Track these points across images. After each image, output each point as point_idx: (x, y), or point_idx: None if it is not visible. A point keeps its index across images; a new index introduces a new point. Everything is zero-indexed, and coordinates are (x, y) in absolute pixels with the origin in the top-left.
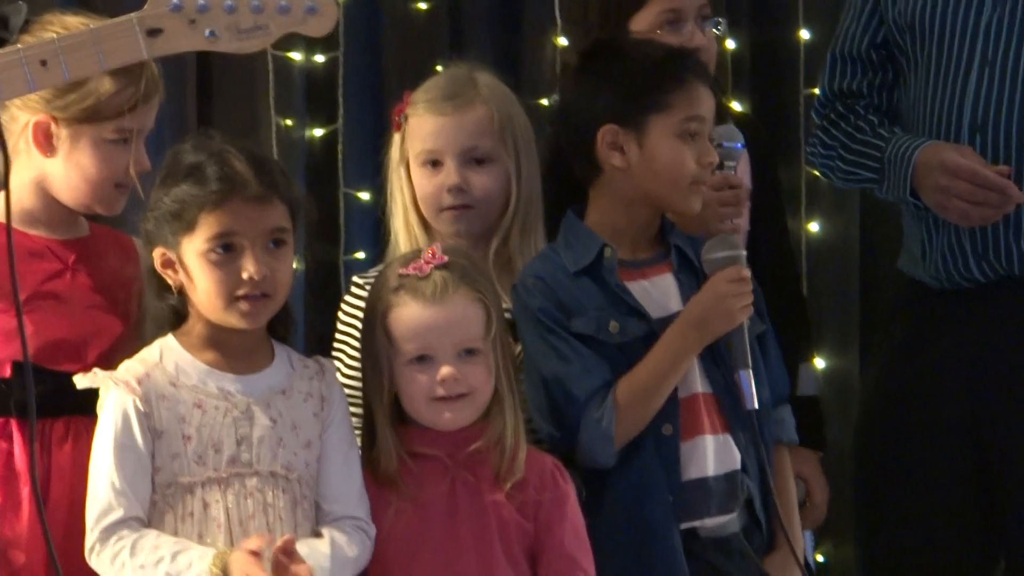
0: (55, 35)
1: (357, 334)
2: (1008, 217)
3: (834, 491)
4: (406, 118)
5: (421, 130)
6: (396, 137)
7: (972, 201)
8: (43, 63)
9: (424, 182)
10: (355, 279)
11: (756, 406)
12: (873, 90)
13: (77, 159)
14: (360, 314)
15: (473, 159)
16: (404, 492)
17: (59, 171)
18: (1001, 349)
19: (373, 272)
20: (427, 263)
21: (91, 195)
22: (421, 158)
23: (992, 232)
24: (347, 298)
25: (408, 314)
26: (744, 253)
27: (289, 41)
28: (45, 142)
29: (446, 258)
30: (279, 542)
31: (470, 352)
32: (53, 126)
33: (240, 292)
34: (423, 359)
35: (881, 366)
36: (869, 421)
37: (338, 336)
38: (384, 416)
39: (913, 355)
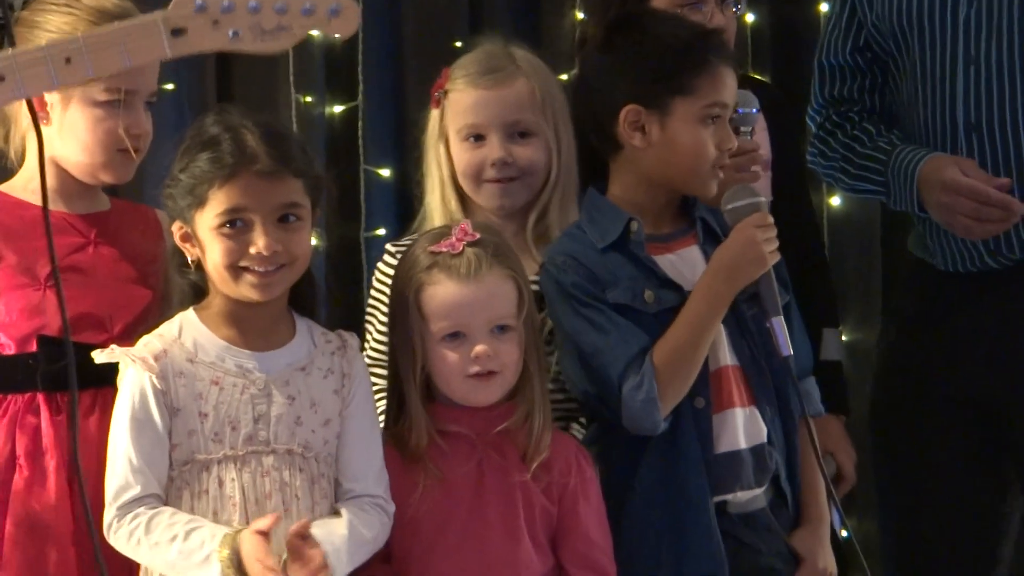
0: (54, 9)
1: (387, 299)
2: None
3: (859, 465)
4: (445, 93)
5: (462, 104)
6: (434, 113)
7: (975, 218)
8: (67, 60)
9: (466, 156)
10: (388, 247)
11: (791, 352)
12: (864, 94)
13: (71, 124)
14: (389, 281)
15: (516, 132)
16: (431, 470)
17: (57, 139)
18: (1013, 328)
19: (406, 240)
20: (459, 240)
21: (91, 159)
22: (464, 132)
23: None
24: (380, 266)
25: (443, 292)
26: (765, 200)
27: None
28: (40, 110)
29: (478, 235)
30: (294, 526)
31: (503, 329)
32: (46, 93)
33: (244, 263)
34: (456, 336)
35: (892, 342)
36: (881, 399)
37: (370, 303)
38: (416, 393)
39: (924, 332)
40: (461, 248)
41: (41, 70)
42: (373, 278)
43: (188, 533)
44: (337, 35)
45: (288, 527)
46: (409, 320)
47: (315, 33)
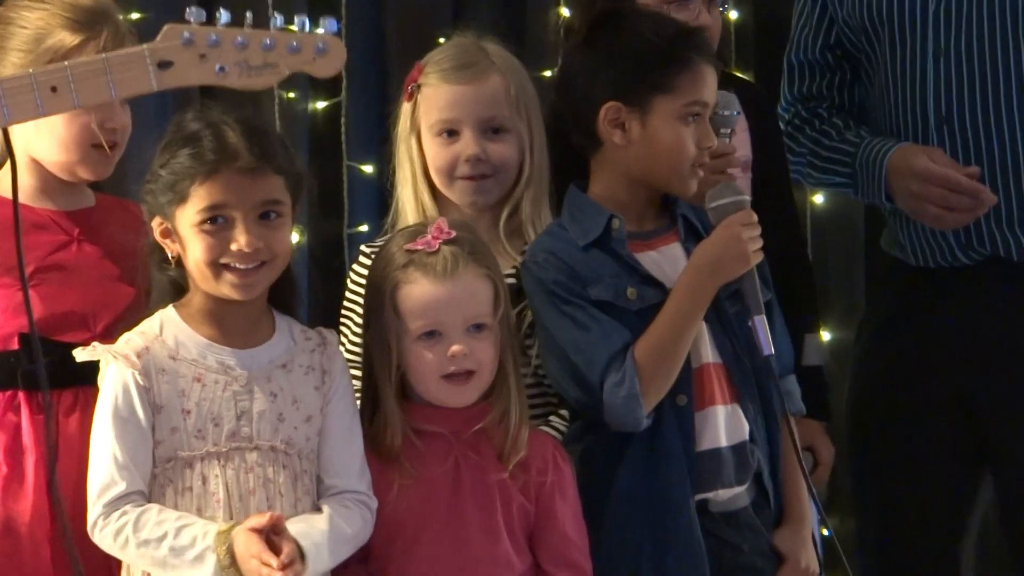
0: (28, 5)
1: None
2: None
3: (840, 464)
4: (418, 87)
5: (437, 100)
6: (406, 107)
7: (945, 206)
8: (53, 89)
9: (439, 151)
10: (363, 248)
11: (772, 351)
12: (833, 90)
13: (46, 121)
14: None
15: (490, 129)
16: (407, 469)
17: (33, 137)
18: (989, 324)
19: (380, 241)
20: (435, 238)
21: (67, 156)
22: (437, 128)
23: (974, 222)
24: (355, 267)
25: (418, 290)
26: (749, 198)
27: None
28: None
29: (454, 233)
30: (268, 519)
31: (479, 328)
32: None
33: (225, 260)
34: (432, 335)
35: (867, 343)
36: (858, 398)
37: (345, 304)
38: (391, 392)
39: (900, 331)
40: (437, 246)
41: (28, 97)
42: (348, 280)
43: (179, 530)
44: (320, 75)
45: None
46: (384, 319)
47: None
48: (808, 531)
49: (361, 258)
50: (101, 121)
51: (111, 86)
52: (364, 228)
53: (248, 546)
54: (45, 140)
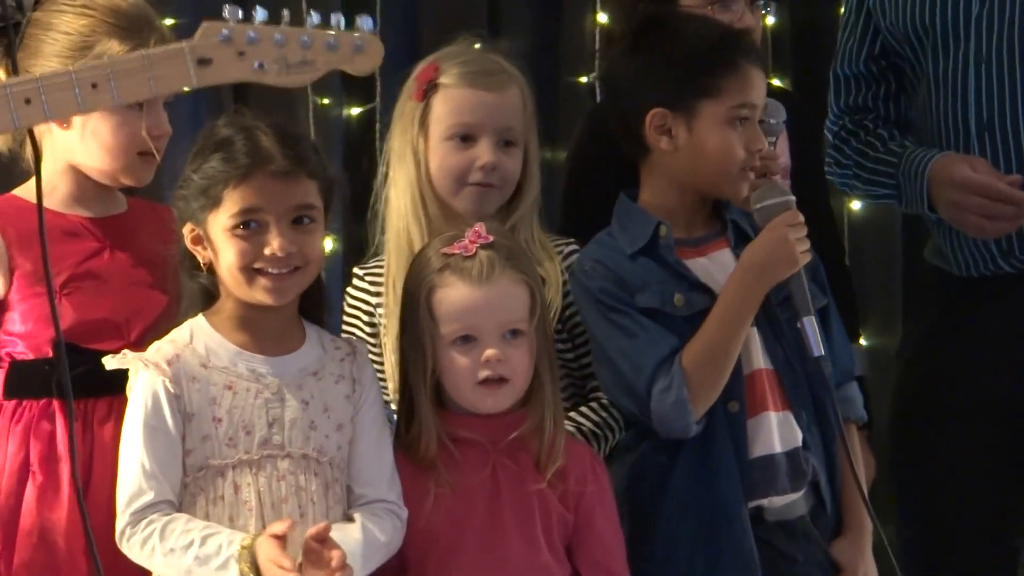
0: (68, 9)
1: (361, 325)
2: None
3: (878, 471)
4: (435, 87)
5: (457, 103)
6: (414, 105)
7: (986, 215)
8: (94, 86)
9: (450, 155)
10: (356, 271)
11: (822, 352)
12: (879, 102)
13: (93, 127)
14: (363, 306)
15: (503, 140)
16: (443, 477)
17: (78, 143)
18: None
19: (373, 263)
20: (472, 242)
21: (113, 164)
22: (453, 131)
23: (1017, 230)
24: (349, 290)
25: (454, 294)
26: (794, 199)
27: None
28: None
29: (492, 237)
30: (312, 530)
31: (514, 334)
32: None
33: (259, 265)
34: (467, 340)
35: (913, 352)
36: (904, 407)
37: (344, 330)
38: (426, 398)
39: (944, 340)
40: (474, 250)
41: (68, 95)
42: (344, 303)
43: (204, 539)
44: (357, 72)
45: (304, 532)
46: (420, 323)
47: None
48: (867, 541)
49: (355, 280)
50: (150, 128)
51: (152, 83)
52: None
53: (268, 552)
54: (91, 147)
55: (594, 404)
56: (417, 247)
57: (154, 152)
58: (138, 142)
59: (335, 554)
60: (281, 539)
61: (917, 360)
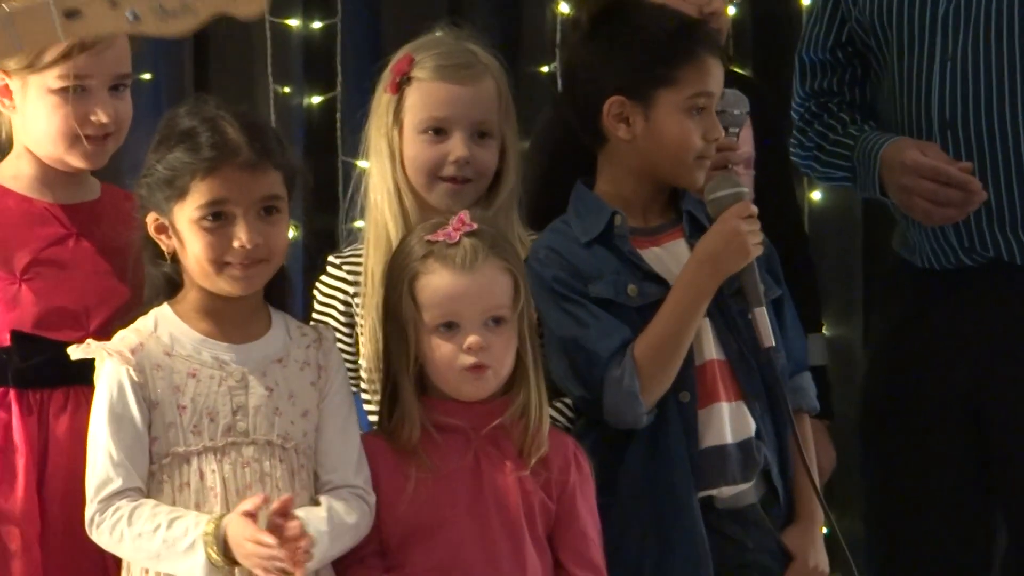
0: None
1: (336, 314)
2: (990, 208)
3: (840, 463)
4: (408, 80)
5: (430, 97)
6: (388, 98)
7: (934, 201)
8: None
9: (423, 148)
10: (331, 259)
11: (773, 343)
12: (844, 86)
13: (31, 111)
14: (339, 295)
15: (477, 133)
16: (425, 463)
17: (22, 126)
18: (995, 326)
19: (349, 251)
20: (456, 230)
21: (54, 147)
22: (424, 124)
23: (976, 225)
24: (323, 278)
25: (437, 281)
26: (748, 190)
27: (287, 7)
28: (6, 96)
29: (475, 225)
30: (275, 504)
31: (497, 321)
32: (8, 80)
33: (229, 258)
34: (450, 326)
35: (879, 344)
36: (870, 401)
37: (315, 317)
38: (409, 385)
39: (908, 333)
40: (458, 238)
41: None
42: (315, 291)
43: (171, 522)
44: (242, 16)
45: (267, 517)
46: (403, 309)
47: (293, 23)
48: (818, 530)
49: (329, 268)
50: (85, 114)
51: (15, 39)
52: (360, 224)
53: (241, 530)
54: (32, 131)
55: (559, 405)
56: (395, 238)
57: (107, 136)
58: (80, 126)
59: (292, 524)
60: (252, 516)
61: (882, 353)
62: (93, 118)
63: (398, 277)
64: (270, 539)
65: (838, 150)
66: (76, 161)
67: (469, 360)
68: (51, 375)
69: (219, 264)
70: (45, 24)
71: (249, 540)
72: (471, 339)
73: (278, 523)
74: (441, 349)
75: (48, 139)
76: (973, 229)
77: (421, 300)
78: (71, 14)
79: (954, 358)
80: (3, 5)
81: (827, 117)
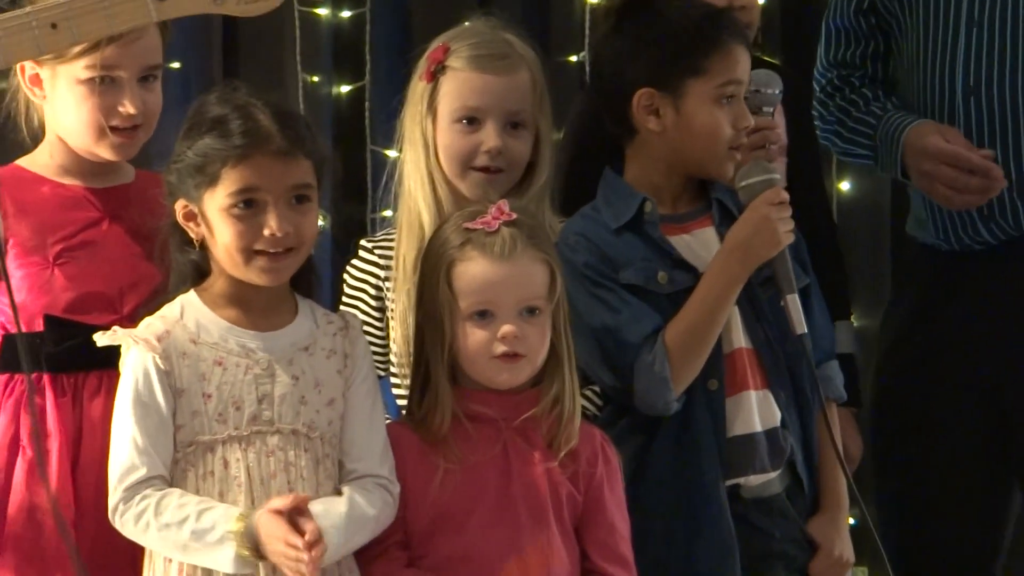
0: None
1: (367, 298)
2: (1011, 177)
3: (867, 449)
4: (443, 69)
5: (464, 85)
6: (423, 86)
7: (954, 187)
8: (53, 26)
9: (456, 138)
10: (363, 243)
11: (805, 330)
12: (867, 60)
13: (60, 101)
14: (370, 279)
15: (511, 123)
16: (453, 453)
17: (52, 115)
18: (1014, 310)
19: (381, 235)
20: (495, 219)
21: (83, 138)
22: (459, 113)
23: (998, 195)
24: (355, 262)
25: (475, 268)
26: (779, 176)
27: None
28: (37, 86)
29: (515, 215)
30: (289, 501)
31: (531, 312)
32: (39, 69)
33: (259, 247)
34: (484, 315)
35: (896, 331)
36: (886, 387)
37: (345, 300)
38: (443, 372)
39: (926, 319)
40: (497, 226)
41: (26, 37)
42: (346, 274)
43: (200, 514)
44: None
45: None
46: (439, 296)
47: (322, 12)
48: (844, 519)
49: (361, 252)
50: (112, 105)
51: (110, 20)
52: (388, 213)
53: (272, 528)
54: (62, 121)
55: (588, 393)
56: (428, 226)
57: (135, 128)
58: (109, 117)
59: (309, 527)
60: (282, 514)
61: (898, 340)
62: (121, 109)
63: (435, 264)
64: (299, 541)
65: (860, 127)
66: (105, 153)
67: (502, 348)
68: (84, 359)
69: (248, 252)
70: (138, 4)
71: (280, 540)
72: (505, 328)
73: (296, 520)
74: (475, 336)
75: (77, 130)
76: (994, 198)
77: (458, 287)
78: None
79: (974, 343)
80: None
81: (849, 92)
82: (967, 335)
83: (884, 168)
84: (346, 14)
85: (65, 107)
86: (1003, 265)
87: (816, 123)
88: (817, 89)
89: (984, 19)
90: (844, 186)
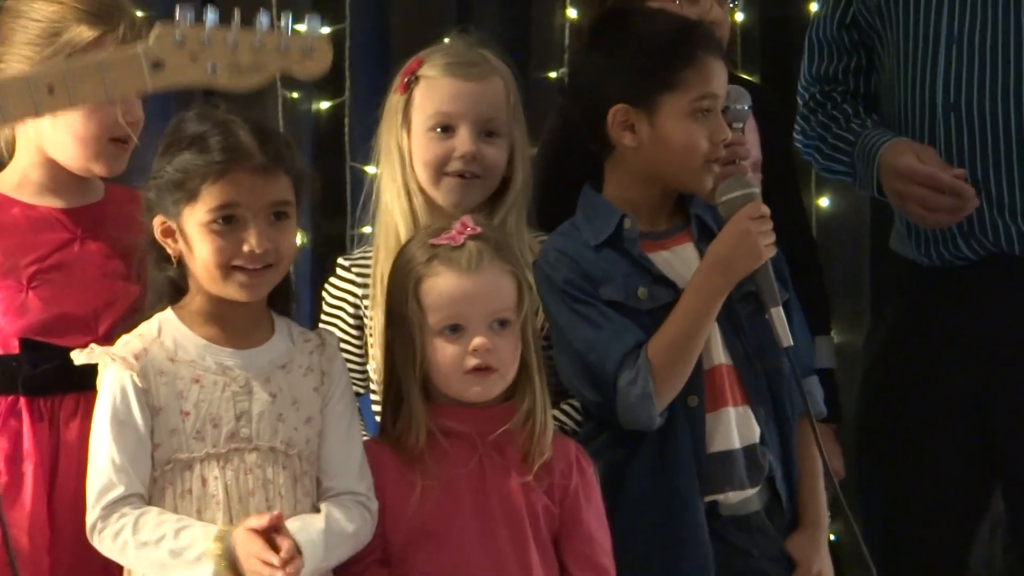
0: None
1: (345, 316)
2: (990, 193)
3: (847, 465)
4: (416, 79)
5: (437, 93)
6: (398, 99)
7: (926, 207)
8: (50, 89)
9: (432, 145)
10: (340, 261)
11: (791, 343)
12: (849, 75)
13: (65, 117)
14: (348, 297)
15: (485, 131)
16: (430, 470)
17: (52, 133)
18: (997, 326)
19: (358, 253)
20: (460, 233)
21: (85, 152)
22: (432, 121)
23: (977, 209)
24: (332, 280)
25: (443, 283)
26: (759, 190)
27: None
28: None
29: (479, 229)
30: (265, 521)
31: (502, 324)
32: None
33: (238, 262)
34: (455, 329)
35: (879, 346)
36: (870, 402)
37: (324, 319)
38: (416, 389)
39: (910, 334)
40: (462, 241)
41: (24, 98)
42: (325, 292)
43: (178, 532)
44: (305, 76)
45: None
46: (408, 313)
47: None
48: (823, 536)
49: (339, 271)
50: (124, 114)
51: (106, 86)
52: (367, 229)
53: (248, 546)
54: (63, 136)
55: (566, 407)
56: (404, 240)
57: (129, 138)
58: (111, 128)
59: (285, 544)
60: (259, 533)
61: (882, 355)
62: (130, 119)
63: (402, 282)
64: (275, 559)
65: (840, 144)
66: (100, 166)
67: (474, 361)
68: (61, 381)
69: (227, 268)
70: (135, 73)
71: (255, 557)
72: (477, 340)
73: (272, 538)
74: (446, 351)
75: (82, 141)
76: (973, 214)
77: (426, 303)
78: (157, 65)
79: (956, 357)
80: (99, 53)
81: (830, 107)
82: (946, 349)
83: (862, 186)
84: (326, 30)
85: (71, 118)
86: (985, 280)
87: (798, 138)
88: (800, 103)
89: (964, 36)
90: (823, 202)
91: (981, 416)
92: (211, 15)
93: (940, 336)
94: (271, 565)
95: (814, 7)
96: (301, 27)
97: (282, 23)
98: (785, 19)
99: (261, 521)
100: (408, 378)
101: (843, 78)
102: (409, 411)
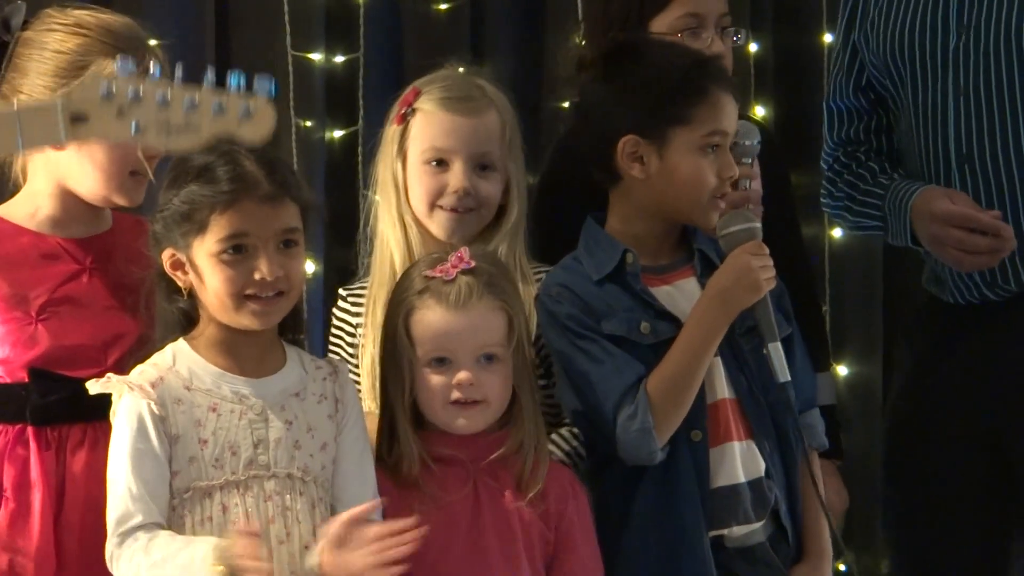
0: (60, 28)
1: (344, 345)
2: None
3: (857, 499)
4: (412, 111)
5: (432, 126)
6: (394, 130)
7: (964, 249)
8: None
9: (426, 179)
10: (340, 291)
11: (788, 378)
12: (871, 135)
13: (88, 148)
14: (345, 326)
15: (479, 165)
16: (426, 495)
17: (73, 164)
18: (1017, 361)
19: (358, 284)
20: (453, 267)
21: (108, 185)
22: (427, 155)
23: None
24: (335, 310)
25: (430, 317)
26: (760, 226)
27: (309, 41)
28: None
29: (473, 263)
30: (346, 514)
31: (489, 358)
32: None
33: (250, 291)
34: (442, 361)
35: (905, 378)
36: (895, 434)
37: (329, 349)
38: (405, 417)
39: (934, 368)
40: (454, 275)
41: None
42: (331, 324)
43: (186, 545)
44: (247, 142)
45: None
46: (398, 343)
47: (316, 57)
48: (827, 567)
49: (340, 302)
50: (133, 154)
51: (19, 138)
52: None
53: (243, 548)
54: (86, 167)
55: (565, 432)
56: (399, 270)
57: (147, 172)
58: (131, 161)
59: (373, 530)
60: (256, 536)
61: (909, 387)
62: (150, 152)
63: (396, 310)
64: (265, 566)
65: (869, 199)
66: (120, 197)
67: (456, 394)
68: (69, 411)
69: (239, 298)
70: (50, 125)
71: (248, 556)
72: (460, 375)
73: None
74: (432, 382)
75: (105, 173)
76: (996, 265)
77: (415, 335)
78: (77, 118)
79: (979, 391)
80: (13, 101)
81: (856, 167)
82: (970, 384)
83: (894, 236)
84: (339, 59)
85: (95, 150)
86: (1007, 315)
87: (824, 201)
88: (824, 168)
89: (970, 87)
90: (836, 233)
91: (1002, 451)
92: (154, 67)
93: (962, 370)
94: (258, 565)
95: (828, 38)
96: (258, 87)
97: (232, 82)
98: (798, 49)
99: (253, 525)
100: (398, 406)
101: (865, 137)
102: (400, 440)
